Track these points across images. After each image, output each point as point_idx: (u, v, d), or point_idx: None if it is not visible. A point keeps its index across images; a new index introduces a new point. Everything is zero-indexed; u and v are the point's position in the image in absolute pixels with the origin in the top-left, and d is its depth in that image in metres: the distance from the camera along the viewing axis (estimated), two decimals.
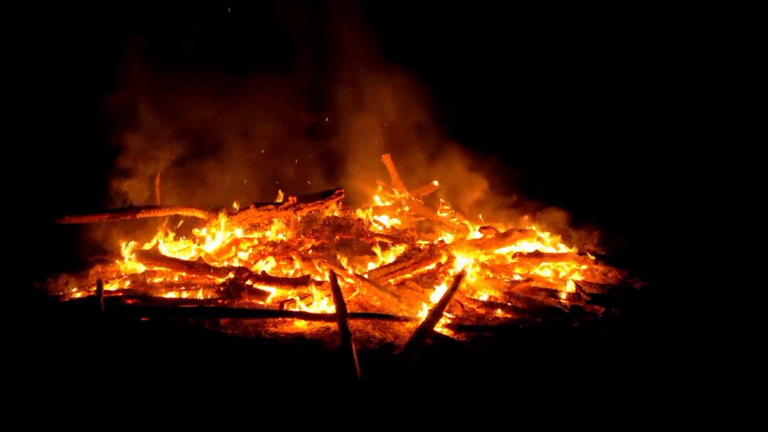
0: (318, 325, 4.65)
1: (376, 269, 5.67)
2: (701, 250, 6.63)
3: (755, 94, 9.05)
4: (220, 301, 5.15)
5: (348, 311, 4.53)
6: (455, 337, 4.44)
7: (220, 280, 5.45)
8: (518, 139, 9.54)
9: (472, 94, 9.65)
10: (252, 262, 6.02)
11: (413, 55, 8.87)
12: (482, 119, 9.50)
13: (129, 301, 5.10)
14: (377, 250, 6.14)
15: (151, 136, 7.66)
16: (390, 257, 6.07)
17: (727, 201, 8.23)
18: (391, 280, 5.58)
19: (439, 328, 4.50)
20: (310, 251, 6.25)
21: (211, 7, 8.41)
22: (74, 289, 5.56)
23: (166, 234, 6.64)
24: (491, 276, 5.85)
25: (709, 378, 3.70)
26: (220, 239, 6.55)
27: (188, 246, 6.64)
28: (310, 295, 5.13)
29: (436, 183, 8.26)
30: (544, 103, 10.02)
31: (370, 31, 8.60)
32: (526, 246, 6.52)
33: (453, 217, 7.40)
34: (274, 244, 6.31)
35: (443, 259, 5.85)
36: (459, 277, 5.18)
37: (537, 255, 6.17)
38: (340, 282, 4.98)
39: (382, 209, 7.62)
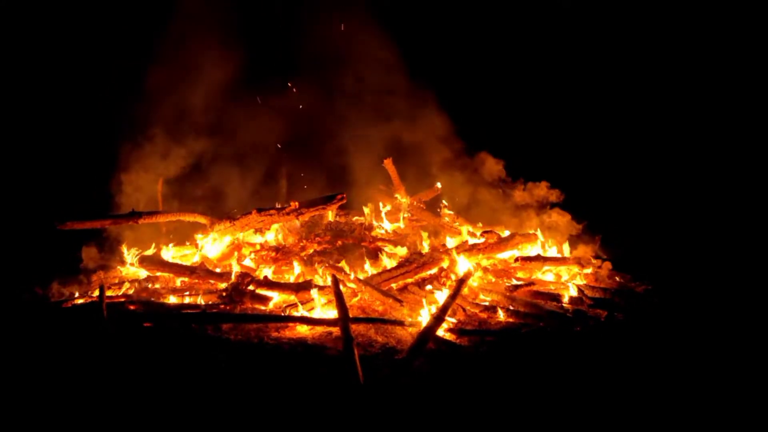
0: (320, 329, 4.64)
1: (378, 274, 5.67)
2: (704, 254, 6.62)
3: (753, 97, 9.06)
4: (222, 306, 5.15)
5: (350, 316, 4.53)
6: (458, 341, 4.43)
7: (223, 285, 5.46)
8: (518, 141, 9.55)
9: (475, 95, 9.66)
10: (254, 267, 6.02)
11: (416, 56, 8.90)
12: (483, 121, 9.51)
13: (131, 307, 5.11)
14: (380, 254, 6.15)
15: (155, 142, 7.69)
16: (392, 262, 6.07)
17: (728, 204, 8.22)
18: (393, 285, 5.58)
19: (441, 332, 4.49)
20: (313, 256, 6.25)
21: (217, 16, 8.43)
22: (76, 295, 5.57)
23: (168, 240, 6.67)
24: (493, 280, 5.85)
25: (712, 382, 3.69)
26: (222, 244, 6.56)
27: (191, 251, 6.66)
28: (312, 300, 5.13)
29: (438, 186, 8.26)
30: (544, 104, 10.02)
31: (374, 35, 8.64)
32: (528, 250, 6.52)
33: (455, 221, 7.39)
34: (276, 249, 6.31)
35: (445, 264, 5.85)
36: (461, 282, 5.18)
37: (539, 259, 6.17)
38: (342, 287, 4.98)
39: (384, 214, 7.61)
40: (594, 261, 6.21)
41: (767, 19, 8.93)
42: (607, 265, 6.30)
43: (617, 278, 6.08)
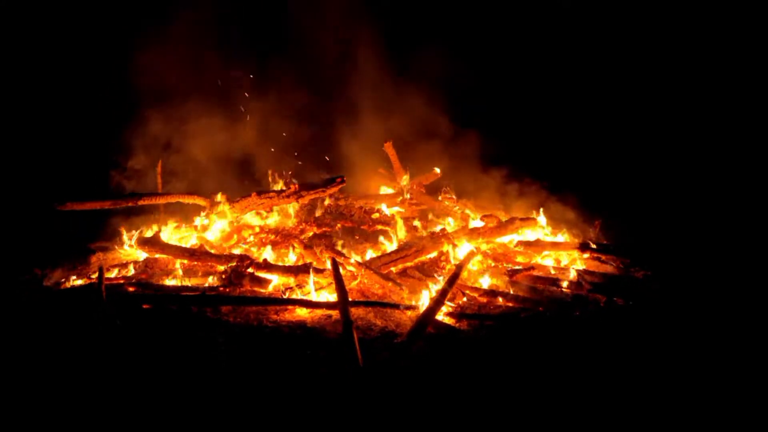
0: (320, 313, 4.64)
1: (378, 257, 5.66)
2: (702, 239, 6.62)
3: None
4: (221, 288, 5.15)
5: (349, 299, 4.53)
6: (457, 325, 4.43)
7: (222, 268, 5.45)
8: (520, 126, 9.53)
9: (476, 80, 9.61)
10: (254, 250, 6.01)
11: (415, 41, 8.85)
12: (484, 105, 9.49)
13: (130, 289, 5.11)
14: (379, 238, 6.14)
15: (154, 124, 7.66)
16: (392, 245, 6.06)
17: (726, 191, 8.22)
18: (393, 268, 5.58)
19: (440, 316, 4.50)
20: (312, 239, 6.24)
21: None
22: (75, 277, 5.56)
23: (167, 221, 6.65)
24: (493, 264, 5.84)
25: (710, 367, 3.69)
26: (221, 227, 6.54)
27: (189, 233, 6.64)
28: (312, 283, 5.12)
29: (437, 171, 8.23)
30: (545, 89, 9.99)
31: (374, 18, 8.60)
32: (528, 234, 6.51)
33: (455, 205, 7.38)
34: (275, 231, 6.30)
35: (445, 248, 5.84)
36: (460, 266, 5.17)
37: (539, 244, 6.17)
38: (341, 270, 4.98)
39: (384, 197, 7.60)
40: (592, 246, 6.20)
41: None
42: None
43: (617, 263, 6.07)
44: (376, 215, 6.83)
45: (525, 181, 8.02)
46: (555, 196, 7.47)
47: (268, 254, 5.87)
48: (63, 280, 5.47)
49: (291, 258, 5.92)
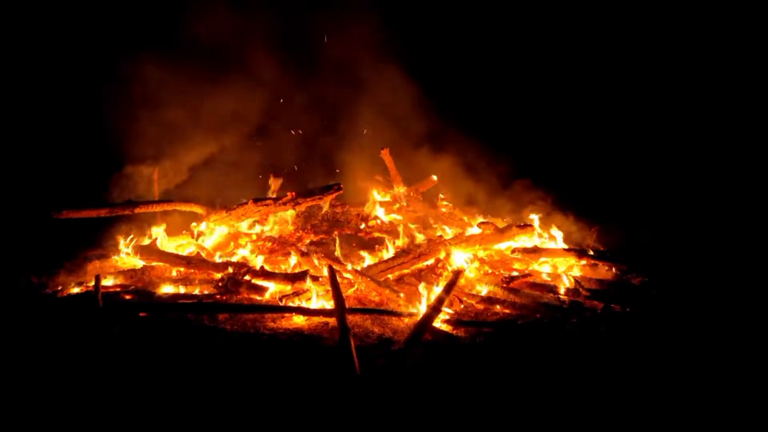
0: (317, 320, 4.64)
1: (375, 264, 5.67)
2: (699, 245, 6.64)
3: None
4: (218, 296, 5.14)
5: (346, 306, 4.53)
6: (454, 332, 4.43)
7: (219, 276, 5.44)
8: (514, 130, 9.55)
9: (474, 90, 9.64)
10: (251, 257, 6.01)
11: (411, 48, 8.87)
12: (480, 111, 9.51)
13: (127, 296, 5.10)
14: (376, 245, 6.14)
15: (150, 131, 7.64)
16: (389, 252, 6.06)
17: (723, 196, 8.24)
18: (390, 276, 5.58)
19: (438, 323, 4.50)
20: (309, 246, 6.23)
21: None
22: (72, 285, 5.55)
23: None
24: (490, 271, 5.85)
25: (709, 375, 3.70)
26: (218, 234, 6.54)
27: (187, 241, 6.63)
28: (309, 290, 5.12)
29: (435, 178, 8.22)
30: (543, 94, 10.01)
31: (367, 25, 8.61)
32: (525, 241, 6.52)
33: (452, 212, 7.38)
34: (272, 239, 6.30)
35: (442, 255, 5.84)
36: (457, 273, 5.18)
37: (536, 250, 6.18)
38: (338, 277, 4.97)
39: (381, 204, 7.59)
40: (589, 252, 6.21)
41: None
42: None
43: (613, 270, 6.08)
44: (373, 222, 6.84)
45: (522, 188, 8.02)
46: (552, 202, 7.47)
47: (264, 262, 5.87)
48: (60, 288, 5.45)
49: (291, 261, 5.92)
